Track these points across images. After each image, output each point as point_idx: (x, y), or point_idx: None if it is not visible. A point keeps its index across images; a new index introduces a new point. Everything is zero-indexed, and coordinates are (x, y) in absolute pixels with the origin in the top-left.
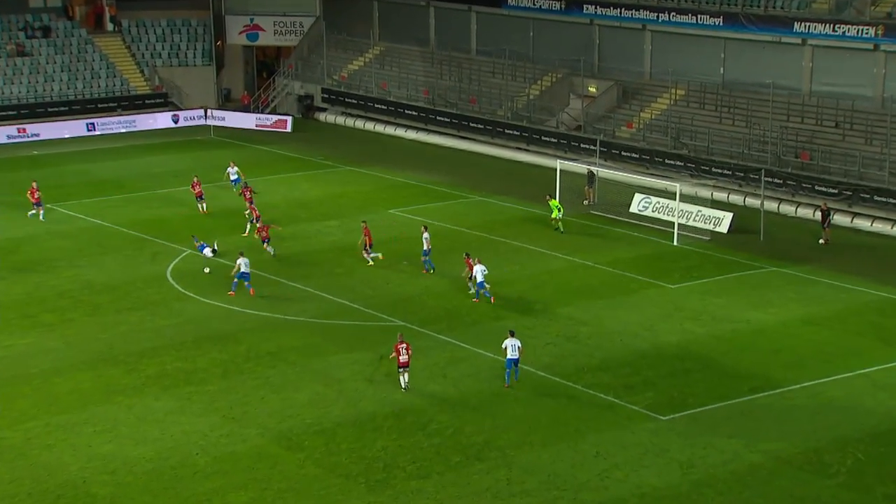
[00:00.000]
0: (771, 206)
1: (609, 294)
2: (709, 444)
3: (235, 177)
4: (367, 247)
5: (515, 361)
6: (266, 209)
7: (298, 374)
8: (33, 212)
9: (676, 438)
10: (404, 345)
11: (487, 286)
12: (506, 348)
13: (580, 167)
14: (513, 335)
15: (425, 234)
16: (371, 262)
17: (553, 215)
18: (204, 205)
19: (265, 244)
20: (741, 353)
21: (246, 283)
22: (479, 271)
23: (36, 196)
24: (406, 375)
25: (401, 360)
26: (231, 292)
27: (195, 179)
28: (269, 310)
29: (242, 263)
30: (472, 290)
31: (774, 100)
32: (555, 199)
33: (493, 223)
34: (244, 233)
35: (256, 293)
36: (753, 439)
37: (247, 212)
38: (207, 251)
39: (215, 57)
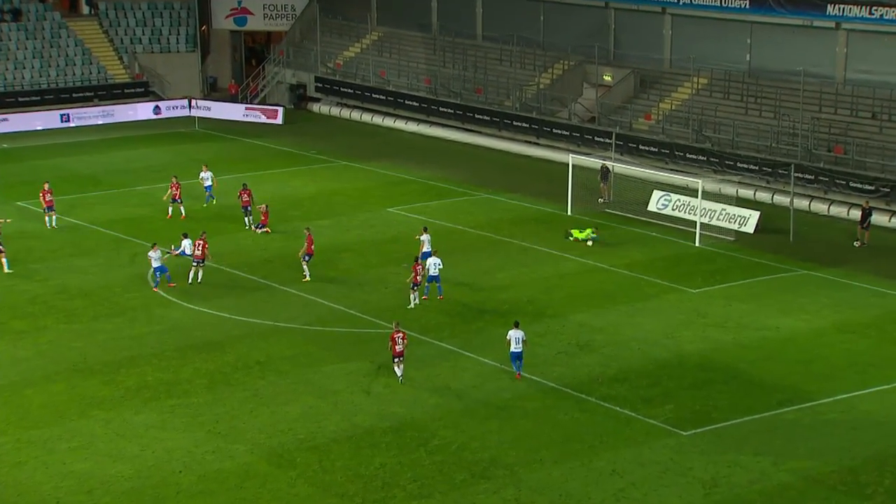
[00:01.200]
0: (801, 204)
1: (626, 299)
2: (734, 461)
3: (209, 183)
4: (306, 257)
5: (519, 355)
6: (259, 203)
7: (290, 386)
8: (47, 217)
9: (699, 456)
10: (400, 334)
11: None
12: (509, 340)
13: (594, 162)
14: (517, 326)
15: (424, 236)
16: (307, 278)
17: (583, 234)
18: (181, 208)
19: (258, 228)
20: (769, 363)
21: (158, 278)
22: (433, 265)
23: (48, 199)
24: (401, 367)
25: (396, 350)
26: (171, 283)
27: (174, 181)
28: (258, 316)
29: (154, 258)
30: (414, 300)
31: (805, 89)
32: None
33: (499, 222)
34: (253, 228)
35: (239, 299)
36: (782, 457)
37: (251, 221)
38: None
39: (200, 43)
